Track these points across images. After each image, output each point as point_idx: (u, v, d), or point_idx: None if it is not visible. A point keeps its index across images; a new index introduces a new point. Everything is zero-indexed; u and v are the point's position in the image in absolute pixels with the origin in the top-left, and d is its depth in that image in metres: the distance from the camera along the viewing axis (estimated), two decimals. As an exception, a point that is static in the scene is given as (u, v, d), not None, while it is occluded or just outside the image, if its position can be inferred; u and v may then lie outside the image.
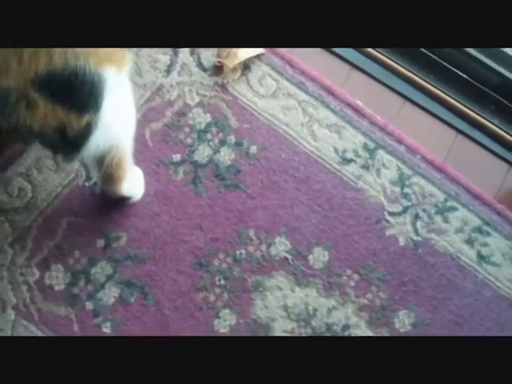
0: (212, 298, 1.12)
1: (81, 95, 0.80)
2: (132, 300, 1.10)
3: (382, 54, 1.30)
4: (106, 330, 1.08)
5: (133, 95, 0.98)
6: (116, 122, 0.91)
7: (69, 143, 0.84)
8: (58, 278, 1.10)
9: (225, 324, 1.11)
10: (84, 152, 0.88)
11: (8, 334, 1.06)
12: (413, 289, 1.17)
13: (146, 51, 1.22)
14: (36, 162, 1.14)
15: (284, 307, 1.13)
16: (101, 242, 1.12)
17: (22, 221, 1.12)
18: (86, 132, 0.84)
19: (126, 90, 0.96)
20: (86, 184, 1.14)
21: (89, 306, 1.09)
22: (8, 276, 1.09)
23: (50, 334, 1.07)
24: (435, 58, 1.33)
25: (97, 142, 0.88)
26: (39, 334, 1.07)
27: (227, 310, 1.12)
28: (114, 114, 0.88)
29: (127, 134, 1.00)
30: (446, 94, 1.31)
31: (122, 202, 1.12)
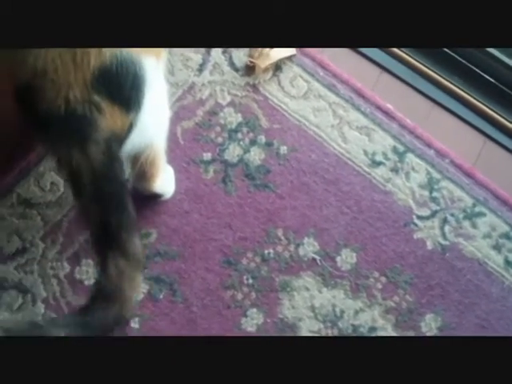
0: (240, 296, 1.13)
1: (126, 89, 0.81)
2: (161, 296, 1.11)
3: (411, 57, 1.30)
4: (135, 325, 1.09)
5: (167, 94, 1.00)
6: (152, 121, 0.92)
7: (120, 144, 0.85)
8: (87, 272, 1.11)
9: (252, 323, 1.12)
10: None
11: (38, 327, 1.08)
12: (440, 293, 1.17)
13: (178, 50, 1.23)
14: (68, 157, 1.16)
15: (311, 308, 1.14)
16: (131, 238, 1.13)
17: (53, 215, 1.13)
18: (128, 133, 0.86)
19: (162, 86, 0.97)
20: (118, 180, 1.16)
21: (118, 301, 1.10)
22: (39, 269, 1.10)
23: (79, 328, 1.08)
24: (461, 60, 1.32)
25: (134, 141, 0.89)
26: (68, 327, 1.08)
27: (255, 309, 1.12)
28: (151, 112, 0.89)
29: (162, 133, 1.01)
30: (474, 98, 1.31)
31: (153, 198, 1.12)
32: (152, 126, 0.93)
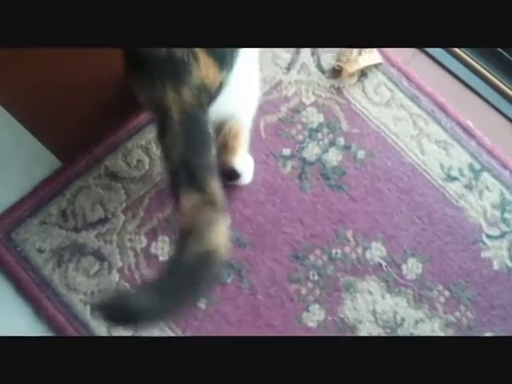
0: (304, 291, 1.15)
1: None
2: (228, 281, 1.15)
3: (496, 78, 1.30)
4: (201, 305, 1.12)
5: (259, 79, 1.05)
6: (240, 92, 0.96)
7: (211, 99, 0.89)
8: (163, 248, 1.15)
9: (313, 318, 1.14)
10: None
11: (110, 294, 1.13)
12: (501, 314, 1.16)
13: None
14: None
15: (372, 312, 1.15)
16: (206, 222, 1.18)
17: (136, 190, 1.18)
18: (218, 92, 0.90)
19: (255, 65, 1.02)
20: (200, 165, 1.20)
21: (188, 279, 1.14)
22: (117, 240, 1.15)
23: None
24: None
25: (220, 106, 0.93)
26: (138, 298, 1.13)
27: (317, 305, 1.15)
28: (240, 82, 0.93)
29: (248, 108, 1.05)
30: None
31: (231, 179, 1.15)
32: (239, 96, 0.97)
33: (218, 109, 0.93)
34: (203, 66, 0.86)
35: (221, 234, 0.82)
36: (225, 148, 1.08)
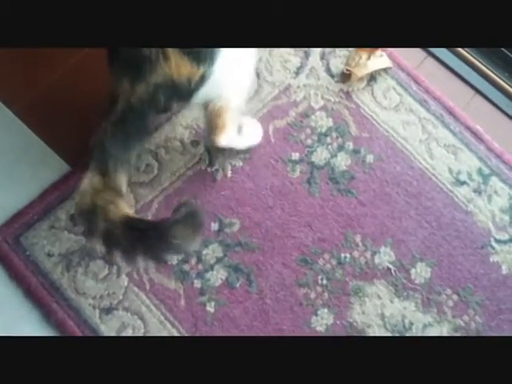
0: (313, 295, 1.15)
1: None
2: (237, 285, 1.15)
3: (505, 82, 1.30)
4: (210, 309, 1.13)
5: (254, 62, 1.06)
6: (227, 76, 0.97)
7: (188, 93, 0.92)
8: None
9: (322, 322, 1.14)
10: (194, 100, 0.96)
11: (119, 299, 1.13)
12: (510, 318, 1.16)
13: (278, 51, 1.27)
14: (165, 142, 1.21)
15: (381, 316, 1.15)
16: (215, 226, 1.17)
17: (145, 195, 1.19)
18: (200, 84, 0.92)
19: (246, 52, 1.02)
20: (208, 170, 1.20)
21: (197, 283, 1.14)
22: (126, 244, 1.16)
23: (158, 303, 1.13)
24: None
25: (207, 90, 0.95)
26: (147, 302, 1.13)
27: (326, 310, 1.15)
28: (226, 69, 0.94)
29: (238, 91, 1.05)
30: None
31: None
32: (226, 80, 0.98)
33: (205, 92, 0.95)
34: (175, 65, 0.88)
35: (118, 212, 0.90)
36: (210, 127, 1.08)
